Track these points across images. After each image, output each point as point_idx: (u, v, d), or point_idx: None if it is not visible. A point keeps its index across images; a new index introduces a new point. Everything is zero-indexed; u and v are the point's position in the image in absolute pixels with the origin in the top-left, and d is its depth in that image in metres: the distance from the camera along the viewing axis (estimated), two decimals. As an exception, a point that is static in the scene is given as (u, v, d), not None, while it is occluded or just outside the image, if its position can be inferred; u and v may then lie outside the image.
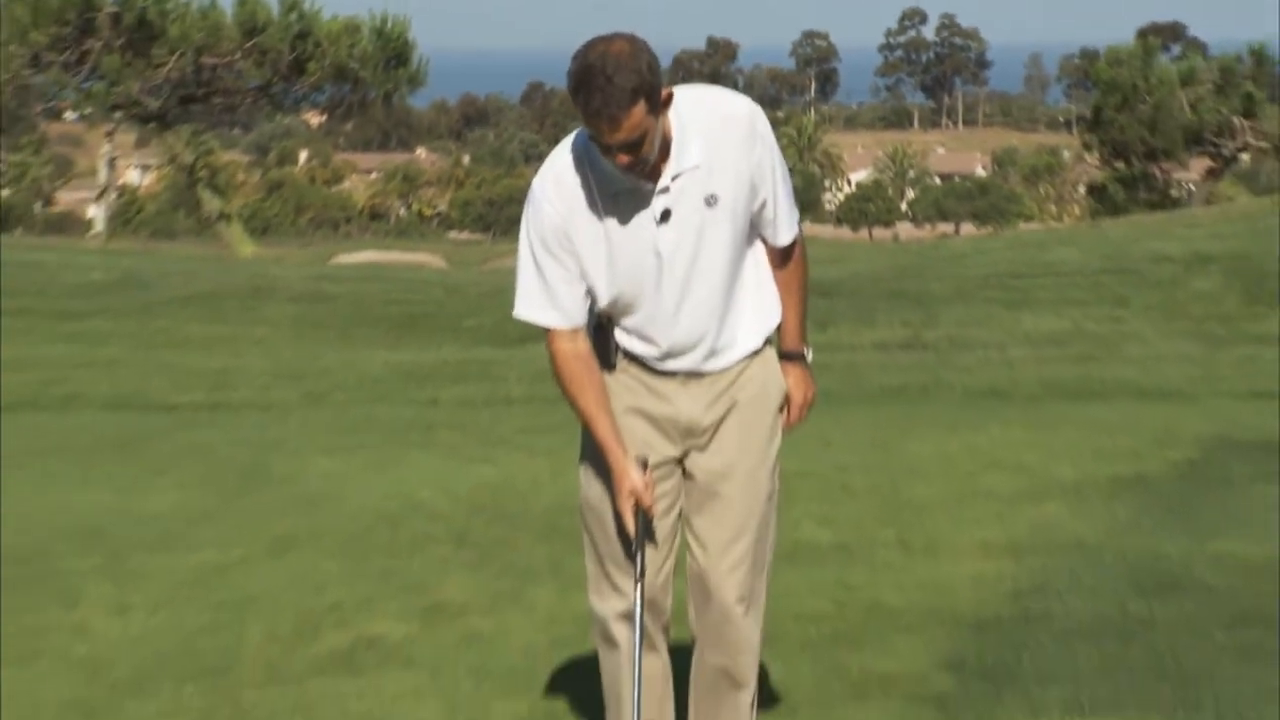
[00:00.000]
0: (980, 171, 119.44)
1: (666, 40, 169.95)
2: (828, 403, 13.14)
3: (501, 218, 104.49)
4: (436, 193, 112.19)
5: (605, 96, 4.26)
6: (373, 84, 45.64)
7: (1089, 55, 71.81)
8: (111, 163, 60.85)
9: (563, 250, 4.51)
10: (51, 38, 43.28)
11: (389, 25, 45.32)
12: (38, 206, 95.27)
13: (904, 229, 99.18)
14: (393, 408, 13.98)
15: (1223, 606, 6.91)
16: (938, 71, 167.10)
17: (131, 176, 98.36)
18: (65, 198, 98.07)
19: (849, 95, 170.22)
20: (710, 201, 4.51)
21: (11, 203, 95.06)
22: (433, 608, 7.32)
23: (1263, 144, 59.79)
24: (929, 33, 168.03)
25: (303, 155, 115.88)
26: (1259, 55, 59.68)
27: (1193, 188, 60.95)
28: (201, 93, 45.42)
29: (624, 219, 4.49)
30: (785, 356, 4.80)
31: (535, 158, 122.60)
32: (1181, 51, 65.02)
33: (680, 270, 4.52)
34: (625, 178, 4.44)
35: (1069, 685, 6.03)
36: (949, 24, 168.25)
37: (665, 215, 4.48)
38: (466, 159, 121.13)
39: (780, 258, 4.74)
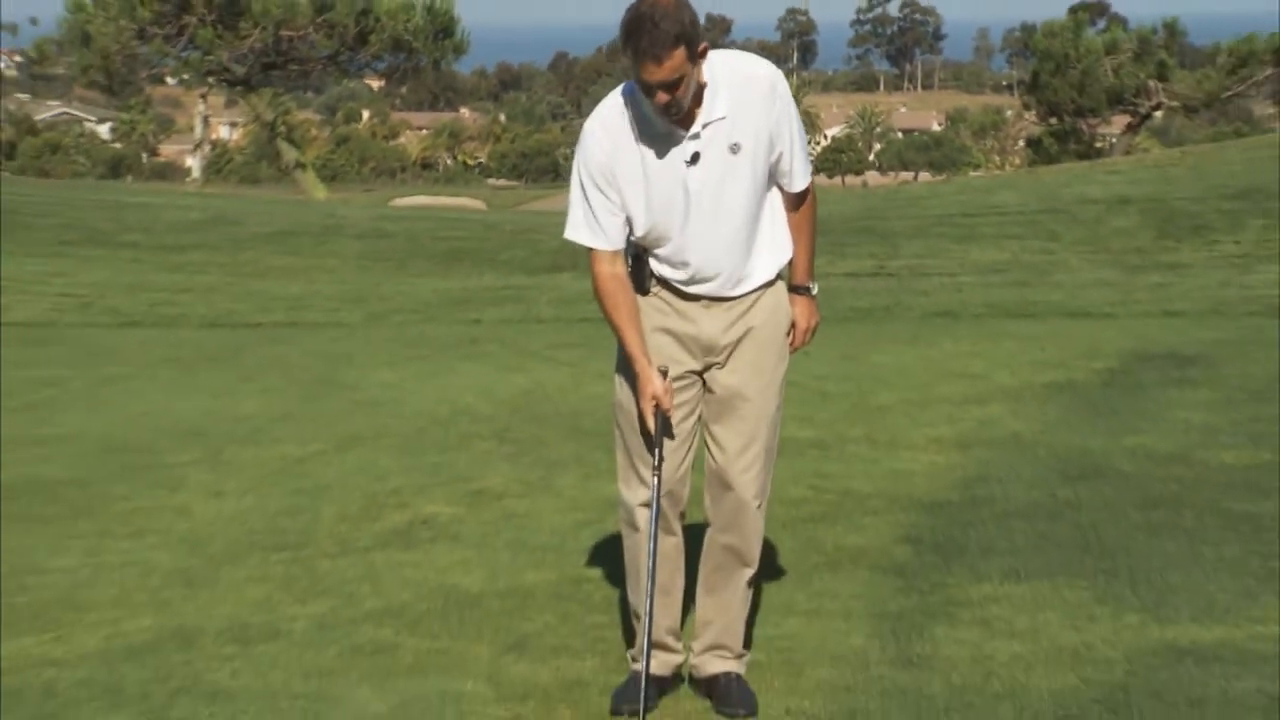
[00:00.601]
0: (936, 128, 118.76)
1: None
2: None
3: (532, 167, 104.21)
4: (477, 146, 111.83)
5: (652, 39, 4.28)
6: (424, 53, 45.63)
7: (1028, 29, 71.42)
8: (205, 120, 60.67)
9: (607, 184, 4.52)
10: (154, 14, 43.30)
11: (437, 3, 45.20)
12: (144, 157, 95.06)
13: (871, 176, 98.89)
14: (441, 327, 13.97)
15: (1136, 491, 6.93)
16: (900, 43, 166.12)
17: (222, 132, 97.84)
18: (167, 150, 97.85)
19: (825, 63, 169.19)
20: (734, 149, 4.51)
21: (123, 154, 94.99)
22: (476, 493, 7.35)
23: (1174, 103, 59.72)
24: (893, 9, 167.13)
25: (365, 114, 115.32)
26: (1171, 28, 59.71)
27: (1114, 140, 60.67)
28: (280, 61, 45.46)
29: (660, 160, 4.50)
30: (794, 289, 4.76)
31: (561, 116, 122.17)
32: (1106, 25, 64.42)
33: (706, 206, 4.52)
34: (660, 122, 4.45)
35: (1007, 557, 6.05)
36: (910, 2, 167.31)
37: (695, 158, 4.49)
38: (503, 117, 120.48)
39: (794, 203, 4.71)
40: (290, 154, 51.08)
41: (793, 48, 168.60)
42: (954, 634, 5.24)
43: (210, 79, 46.76)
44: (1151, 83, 57.69)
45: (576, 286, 18.72)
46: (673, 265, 4.61)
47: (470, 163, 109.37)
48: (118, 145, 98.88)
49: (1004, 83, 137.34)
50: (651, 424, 4.58)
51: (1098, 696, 4.66)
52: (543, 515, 6.92)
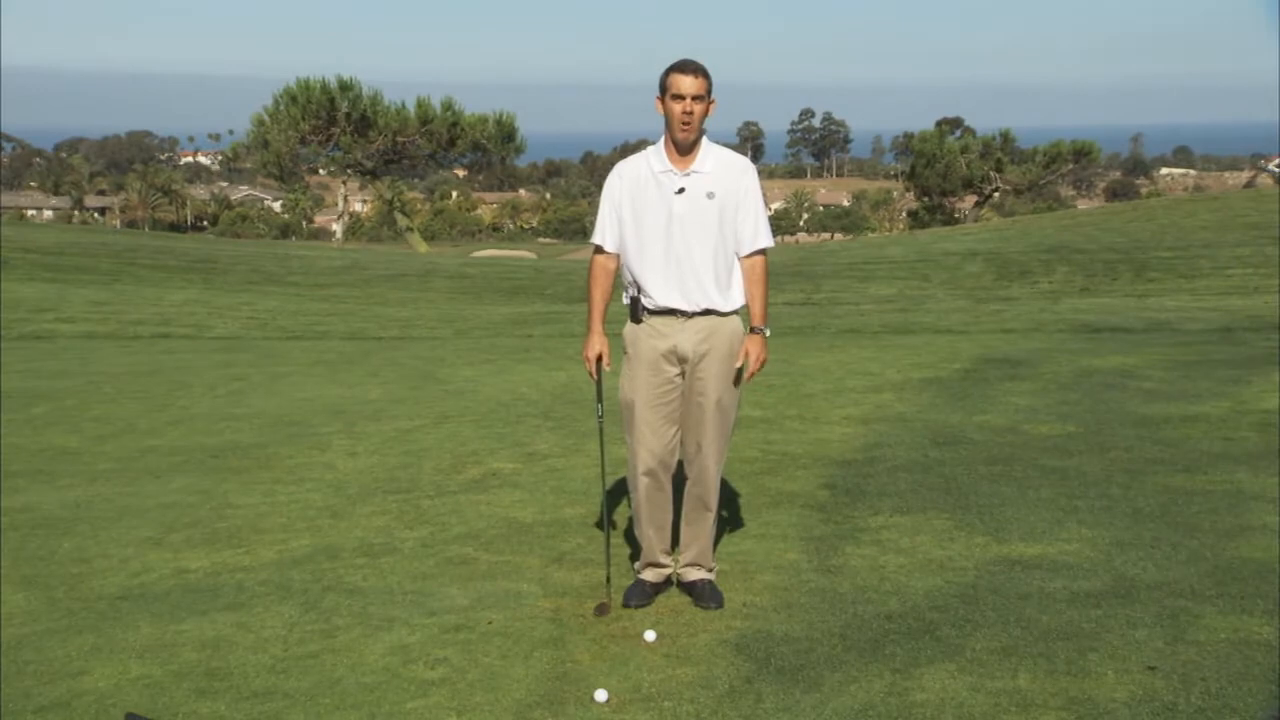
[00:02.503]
0: (845, 203, 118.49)
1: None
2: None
3: (567, 229, 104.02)
4: (530, 215, 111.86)
5: (694, 67, 4.43)
6: (495, 152, 45.84)
7: (909, 135, 71.55)
8: (345, 199, 60.57)
9: (617, 206, 4.55)
10: (312, 127, 43.52)
11: (504, 117, 45.41)
12: (304, 224, 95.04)
13: (801, 237, 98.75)
14: (505, 339, 13.97)
15: (982, 452, 6.90)
16: (821, 144, 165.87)
17: (356, 206, 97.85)
18: (319, 219, 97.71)
19: (770, 159, 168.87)
20: (710, 195, 4.47)
21: (289, 222, 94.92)
22: (529, 454, 7.33)
23: (1007, 187, 60.05)
24: (816, 122, 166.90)
25: (454, 194, 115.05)
26: (1005, 136, 60.32)
27: (967, 212, 60.82)
28: (396, 157, 45.79)
29: (658, 192, 4.49)
30: (752, 330, 4.60)
31: (587, 195, 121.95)
32: (961, 133, 64.59)
33: (684, 230, 4.47)
34: (659, 166, 4.49)
35: (894, 498, 6.03)
36: (828, 117, 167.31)
37: (682, 191, 4.48)
38: (548, 195, 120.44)
39: (751, 264, 4.56)
40: (403, 221, 51.23)
41: (748, 148, 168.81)
42: (858, 551, 5.22)
43: (349, 170, 47.01)
44: (992, 173, 57.96)
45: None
46: (657, 287, 4.51)
47: (525, 226, 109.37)
48: (285, 216, 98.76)
49: (892, 172, 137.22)
50: (593, 370, 4.66)
51: (956, 593, 4.64)
52: (576, 469, 6.90)
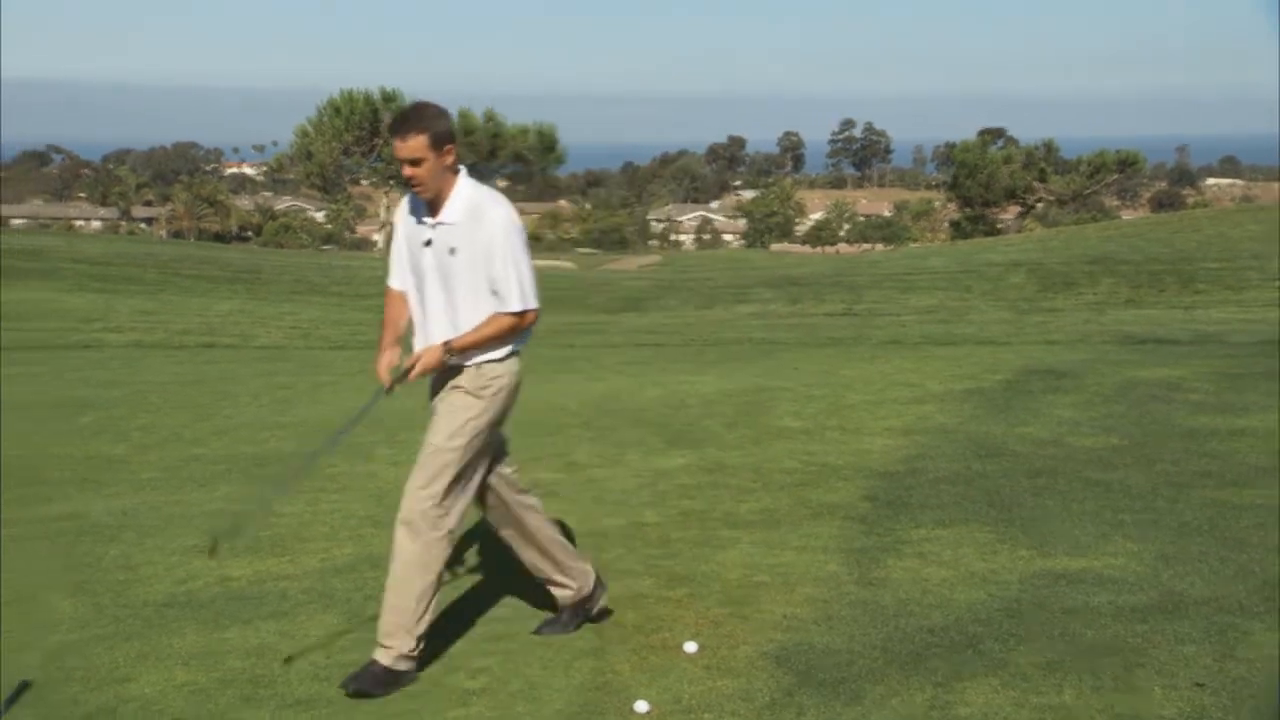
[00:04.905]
0: (886, 213, 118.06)
1: (708, 136, 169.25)
2: (798, 347, 13.14)
3: (607, 240, 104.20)
4: (570, 225, 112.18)
5: (402, 127, 4.09)
6: (535, 162, 46.07)
7: (950, 145, 71.31)
8: (387, 208, 61.09)
9: (399, 246, 4.34)
10: (354, 138, 43.93)
11: (545, 128, 45.66)
12: (346, 234, 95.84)
13: (842, 247, 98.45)
14: (546, 349, 13.98)
15: (1025, 464, 6.84)
16: (862, 154, 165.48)
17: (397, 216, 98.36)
18: (361, 229, 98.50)
19: (811, 169, 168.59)
20: (452, 252, 4.16)
21: (331, 232, 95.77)
22: (569, 464, 7.33)
23: (1050, 198, 59.54)
24: (858, 132, 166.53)
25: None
26: (1049, 146, 59.89)
27: (1010, 223, 60.45)
28: (439, 169, 46.14)
29: (417, 239, 4.25)
30: (445, 342, 4.21)
31: (626, 206, 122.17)
32: (1003, 143, 64.29)
33: (433, 281, 4.23)
34: (420, 211, 4.23)
35: (937, 510, 5.98)
36: (869, 127, 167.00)
37: (429, 242, 4.21)
38: (588, 206, 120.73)
39: (496, 318, 4.22)
40: (445, 232, 51.66)
41: (789, 158, 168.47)
42: (900, 563, 5.19)
43: (391, 181, 47.33)
44: (1035, 183, 57.57)
45: (640, 322, 18.71)
46: (415, 328, 4.35)
47: (565, 237, 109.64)
48: (328, 226, 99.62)
49: (933, 182, 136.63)
50: (387, 383, 4.34)
51: (999, 607, 4.60)
52: (615, 479, 6.89)
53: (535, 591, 4.97)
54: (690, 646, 4.30)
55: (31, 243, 33.35)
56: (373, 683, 4.03)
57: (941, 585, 4.87)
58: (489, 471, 4.44)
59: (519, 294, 4.19)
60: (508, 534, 4.58)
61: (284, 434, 8.44)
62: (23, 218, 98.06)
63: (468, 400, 4.29)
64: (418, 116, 4.12)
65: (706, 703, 3.88)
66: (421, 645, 4.15)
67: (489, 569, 5.30)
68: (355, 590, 5.08)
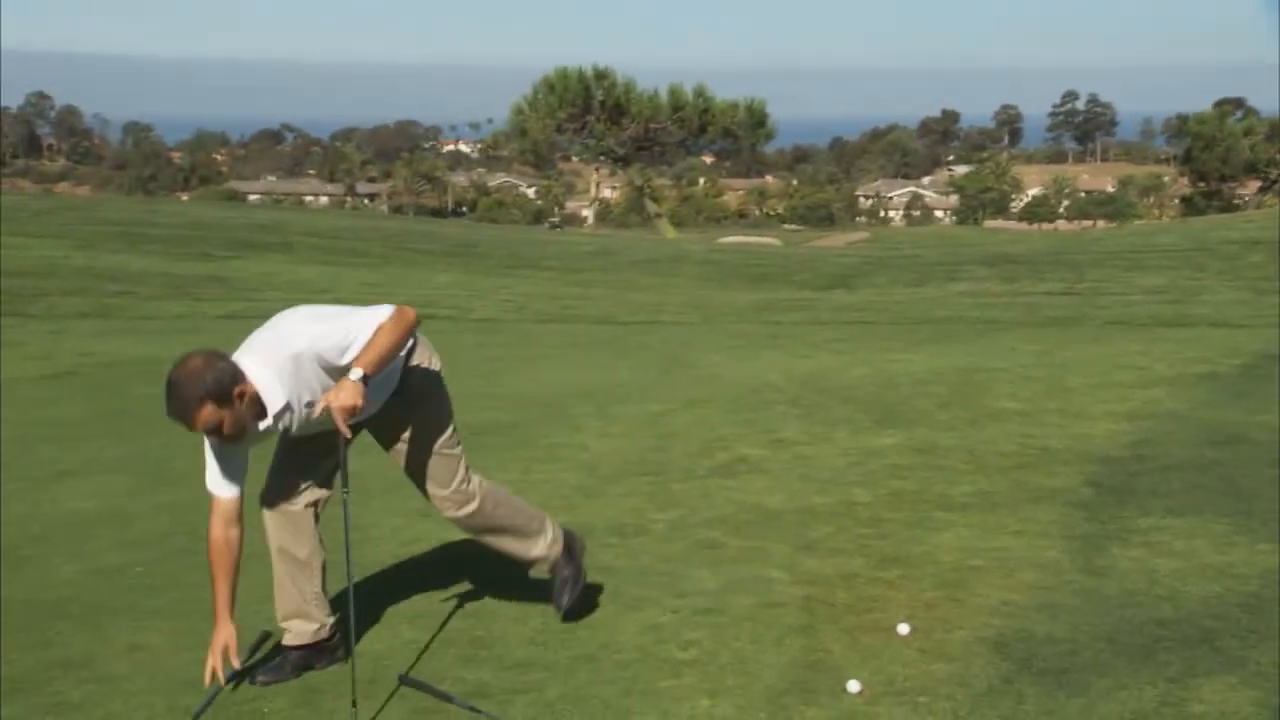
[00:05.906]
0: (1110, 189, 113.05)
1: (920, 110, 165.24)
2: (1015, 326, 12.71)
3: (814, 216, 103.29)
4: (776, 201, 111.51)
5: (179, 405, 3.57)
6: (744, 138, 45.87)
7: (1182, 117, 67.60)
8: (597, 185, 62.08)
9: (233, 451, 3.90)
10: (567, 115, 44.73)
11: (754, 103, 45.41)
12: (556, 210, 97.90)
13: (1060, 224, 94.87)
14: (752, 325, 13.96)
15: (1265, 453, 6.44)
16: (1085, 128, 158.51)
17: (606, 193, 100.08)
18: (571, 205, 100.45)
19: (1029, 143, 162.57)
20: (309, 405, 3.80)
21: (542, 208, 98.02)
22: (777, 440, 7.28)
23: (1294, 170, 55.87)
24: (1080, 104, 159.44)
25: (702, 180, 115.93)
26: (1293, 115, 55.94)
27: (1248, 199, 57.01)
28: (647, 144, 46.45)
29: (268, 437, 3.91)
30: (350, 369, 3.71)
31: (834, 182, 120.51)
32: (1244, 114, 60.59)
33: (301, 434, 3.93)
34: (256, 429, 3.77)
35: (1166, 499, 5.70)
36: (1093, 99, 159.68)
37: (285, 429, 3.87)
38: (795, 182, 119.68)
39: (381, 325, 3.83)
40: (652, 207, 52.10)
41: (1005, 132, 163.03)
42: (1126, 553, 4.96)
43: (601, 157, 48.10)
44: (1279, 156, 54.12)
45: (848, 299, 18.46)
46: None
47: (771, 213, 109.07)
48: (539, 202, 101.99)
49: (1162, 157, 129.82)
50: (220, 671, 3.84)
51: (1237, 602, 4.35)
52: (823, 457, 6.81)
53: (743, 565, 4.96)
54: (904, 628, 4.21)
55: (268, 217, 35.32)
56: (574, 596, 4.36)
57: (1172, 576, 4.63)
58: (321, 487, 4.17)
59: (365, 315, 3.82)
60: (282, 541, 4.17)
61: (498, 404, 8.68)
62: (258, 193, 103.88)
63: (418, 401, 4.13)
64: (189, 384, 3.56)
65: (921, 686, 3.80)
66: (561, 531, 4.43)
67: (697, 540, 5.32)
68: (568, 558, 5.16)
